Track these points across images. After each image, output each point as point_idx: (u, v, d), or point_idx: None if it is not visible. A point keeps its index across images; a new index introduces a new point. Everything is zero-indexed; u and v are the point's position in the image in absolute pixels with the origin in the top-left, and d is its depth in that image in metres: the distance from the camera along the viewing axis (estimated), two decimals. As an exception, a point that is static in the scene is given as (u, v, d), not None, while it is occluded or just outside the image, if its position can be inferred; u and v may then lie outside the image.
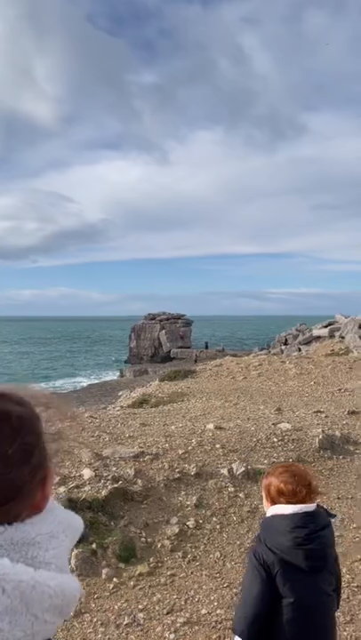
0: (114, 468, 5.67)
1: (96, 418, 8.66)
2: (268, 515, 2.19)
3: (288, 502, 2.14)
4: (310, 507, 2.13)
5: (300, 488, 2.14)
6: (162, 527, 4.94)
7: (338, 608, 2.26)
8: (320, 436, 7.27)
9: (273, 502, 2.21)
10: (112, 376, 49.60)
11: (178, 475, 5.82)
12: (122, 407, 12.45)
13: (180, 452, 6.42)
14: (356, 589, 4.14)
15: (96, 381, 46.60)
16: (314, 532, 2.06)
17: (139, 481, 5.48)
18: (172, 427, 7.89)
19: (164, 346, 58.92)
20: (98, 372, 54.86)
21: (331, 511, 2.34)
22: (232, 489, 5.79)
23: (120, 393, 17.98)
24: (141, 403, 12.05)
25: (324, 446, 7.15)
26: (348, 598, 4.03)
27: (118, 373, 49.91)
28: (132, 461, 5.92)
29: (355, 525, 5.22)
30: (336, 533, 5.05)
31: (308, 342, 34.91)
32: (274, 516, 2.15)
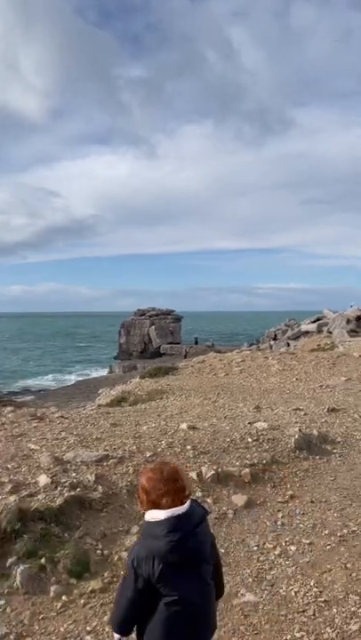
0: (73, 474, 5.34)
1: (67, 418, 8.32)
2: (146, 519, 2.21)
3: (153, 502, 2.15)
4: (181, 509, 2.15)
5: (160, 485, 2.16)
6: (120, 538, 4.62)
7: (221, 595, 2.40)
8: (296, 436, 7.00)
9: (139, 498, 2.25)
10: (101, 372, 49.34)
11: (143, 479, 5.50)
12: (100, 405, 12.13)
13: (148, 454, 6.11)
14: (322, 605, 3.84)
15: (85, 377, 46.29)
16: (188, 534, 2.10)
17: (99, 487, 5.15)
18: (144, 427, 7.57)
19: (154, 342, 58.61)
20: (87, 369, 54.52)
21: (205, 507, 2.40)
22: (200, 494, 5.48)
23: (100, 391, 17.62)
24: (120, 401, 11.72)
25: (300, 446, 6.87)
26: (313, 615, 3.73)
27: (107, 369, 49.60)
28: (94, 466, 5.59)
29: (327, 532, 4.92)
30: (306, 541, 4.80)
31: (296, 337, 34.80)
32: (150, 522, 2.16)
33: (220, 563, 2.40)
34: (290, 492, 5.75)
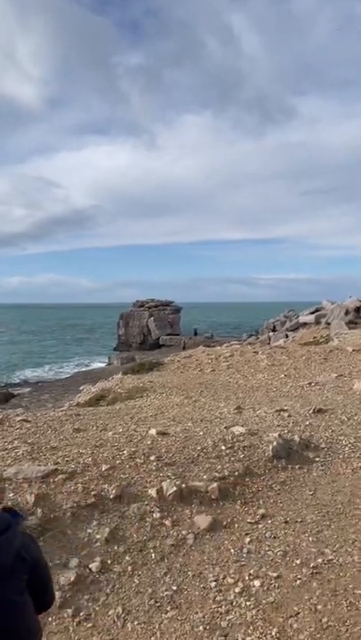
0: (11, 494, 4.67)
1: (29, 422, 7.66)
2: None
3: None
4: None
5: None
6: (56, 573, 3.95)
7: (46, 608, 2.10)
8: (275, 443, 6.32)
9: None
10: (100, 364, 48.90)
11: (93, 499, 4.84)
12: (78, 404, 11.49)
13: (104, 467, 5.43)
14: (283, 663, 3.18)
15: (83, 369, 45.84)
16: None
17: (38, 510, 4.49)
18: (110, 432, 6.91)
19: (153, 333, 58.06)
20: (86, 360, 54.04)
21: (18, 510, 2.15)
22: (158, 515, 4.82)
23: (81, 387, 17.00)
24: (98, 399, 11.08)
25: (278, 454, 6.20)
26: None
27: (106, 361, 49.12)
28: (37, 483, 4.92)
29: (298, 561, 4.25)
30: (273, 574, 4.13)
31: (295, 329, 34.14)
32: None
33: (42, 572, 2.05)
34: (261, 511, 5.09)
